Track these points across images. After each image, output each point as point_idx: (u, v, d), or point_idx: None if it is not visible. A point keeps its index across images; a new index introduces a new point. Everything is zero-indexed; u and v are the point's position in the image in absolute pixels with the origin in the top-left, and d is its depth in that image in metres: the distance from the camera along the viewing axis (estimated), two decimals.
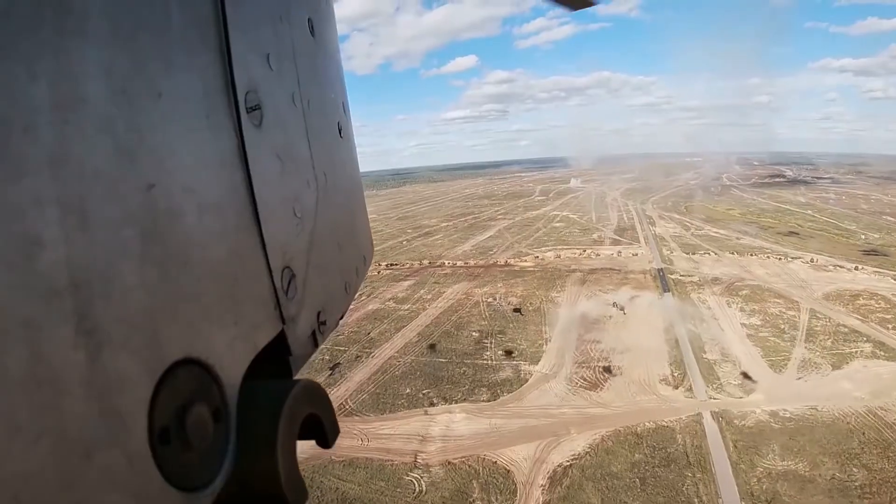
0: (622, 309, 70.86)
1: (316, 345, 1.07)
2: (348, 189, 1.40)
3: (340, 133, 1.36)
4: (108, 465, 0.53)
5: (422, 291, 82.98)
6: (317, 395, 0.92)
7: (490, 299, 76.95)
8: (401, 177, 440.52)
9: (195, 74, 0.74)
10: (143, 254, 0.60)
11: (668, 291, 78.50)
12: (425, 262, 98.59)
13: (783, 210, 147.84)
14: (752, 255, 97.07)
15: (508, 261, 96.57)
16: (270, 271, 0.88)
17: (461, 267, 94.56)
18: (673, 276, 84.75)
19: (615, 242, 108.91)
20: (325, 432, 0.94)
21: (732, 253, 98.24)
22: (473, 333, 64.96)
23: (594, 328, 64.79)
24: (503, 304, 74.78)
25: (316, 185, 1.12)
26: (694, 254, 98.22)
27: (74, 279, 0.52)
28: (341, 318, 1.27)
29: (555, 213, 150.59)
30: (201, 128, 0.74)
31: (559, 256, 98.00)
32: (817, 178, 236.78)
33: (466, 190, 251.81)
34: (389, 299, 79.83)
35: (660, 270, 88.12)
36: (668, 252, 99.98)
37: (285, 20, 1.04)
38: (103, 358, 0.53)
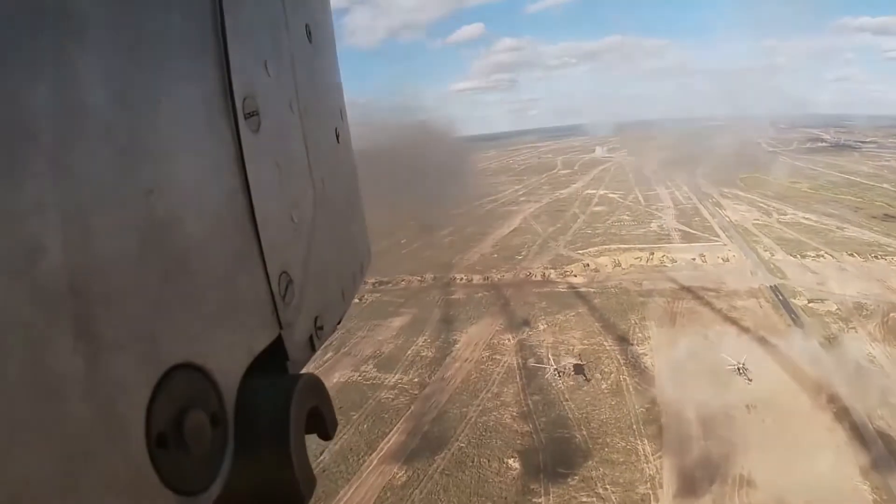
0: (747, 374, 39.84)
1: (313, 349, 1.06)
2: (346, 195, 1.39)
3: (338, 139, 1.34)
4: (106, 470, 0.53)
5: (420, 341, 52.65)
6: (319, 388, 0.93)
7: (532, 360, 46.04)
8: None
9: (193, 81, 0.73)
10: (142, 259, 0.60)
11: (803, 328, 47.50)
12: (428, 275, 67.53)
13: (855, 183, 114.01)
14: (875, 256, 64.96)
15: (547, 272, 65.87)
16: (268, 276, 0.87)
17: (480, 285, 64.23)
18: (798, 302, 53.52)
19: (687, 237, 77.03)
20: (325, 425, 0.95)
21: (851, 254, 65.86)
22: (509, 469, 33.73)
23: (724, 439, 33.82)
24: (553, 372, 43.72)
25: (314, 191, 1.09)
26: (803, 256, 66.28)
27: (74, 285, 0.51)
28: (338, 323, 1.26)
29: (589, 191, 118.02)
30: (199, 134, 0.74)
31: (618, 264, 66.67)
32: (859, 142, 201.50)
33: (478, 164, 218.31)
34: (368, 360, 49.35)
35: (774, 290, 56.71)
36: (767, 253, 68.45)
37: (283, 26, 1.02)
38: (102, 363, 0.53)
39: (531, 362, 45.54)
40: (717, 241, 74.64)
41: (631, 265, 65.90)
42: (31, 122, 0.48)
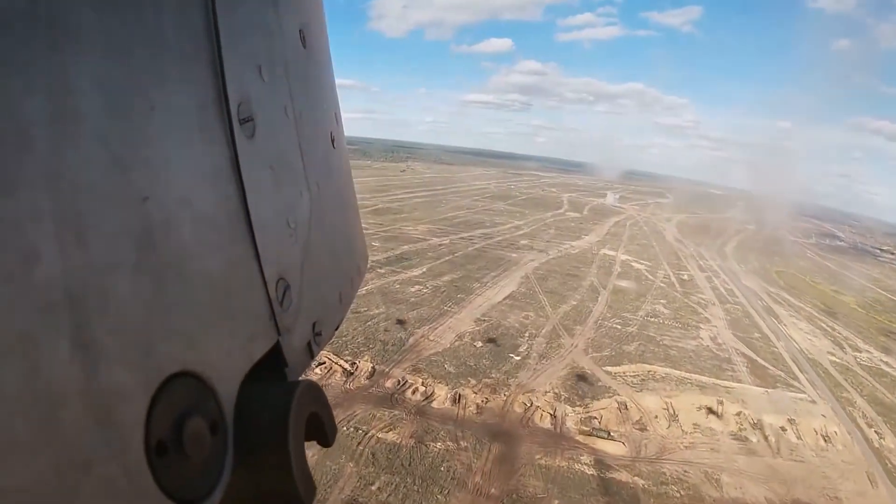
0: None
1: (312, 356, 1.04)
2: (342, 199, 1.37)
3: (333, 143, 1.32)
4: (106, 479, 0.51)
5: None
6: (318, 394, 0.90)
7: None
8: (407, 150, 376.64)
9: (188, 87, 0.71)
10: (139, 267, 0.59)
11: None
12: (356, 383, 38.84)
13: None
14: None
15: (560, 409, 36.66)
16: (265, 282, 0.85)
17: (440, 415, 34.48)
18: None
19: (758, 371, 48.86)
20: (325, 431, 0.92)
21: None
22: None
23: None
24: None
25: (309, 196, 1.08)
26: None
27: (71, 292, 0.50)
28: (336, 328, 1.24)
29: (607, 252, 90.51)
30: (194, 140, 0.72)
31: (674, 417, 38.12)
32: (877, 248, 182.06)
33: (477, 183, 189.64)
34: None
35: None
36: (872, 430, 41.53)
37: (277, 31, 1.00)
38: (100, 371, 0.52)
39: None
40: (797, 386, 47.41)
41: (694, 425, 37.88)
42: (25, 130, 0.47)
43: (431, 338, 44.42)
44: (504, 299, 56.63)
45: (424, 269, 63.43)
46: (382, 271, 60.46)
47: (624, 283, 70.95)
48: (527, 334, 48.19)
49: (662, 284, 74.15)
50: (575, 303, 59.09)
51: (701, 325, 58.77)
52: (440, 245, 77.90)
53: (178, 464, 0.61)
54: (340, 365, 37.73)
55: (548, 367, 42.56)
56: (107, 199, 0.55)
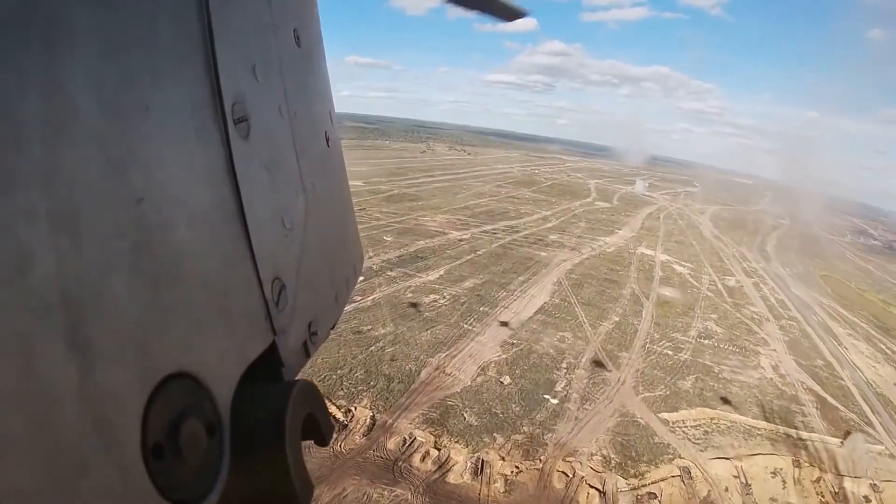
0: None
1: (308, 355, 1.02)
2: (337, 199, 1.36)
3: (328, 143, 1.31)
4: (102, 480, 0.51)
5: None
6: (314, 395, 0.89)
7: None
8: (428, 130, 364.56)
9: (183, 87, 0.71)
10: (134, 267, 0.58)
11: None
12: (349, 442, 30.23)
13: None
14: None
15: (608, 480, 27.60)
16: (261, 283, 0.84)
17: (452, 493, 25.62)
18: None
19: (829, 413, 38.84)
20: (321, 431, 0.91)
21: None
22: None
23: None
24: None
25: (304, 196, 1.06)
26: None
27: (66, 293, 0.49)
28: (332, 328, 1.22)
29: (645, 251, 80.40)
30: (189, 140, 0.71)
31: (747, 487, 28.90)
32: None
33: (499, 165, 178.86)
34: None
35: None
36: None
37: (271, 31, 0.99)
38: (95, 372, 0.51)
39: None
40: (873, 434, 37.62)
41: (772, 500, 28.81)
42: (19, 131, 0.47)
43: (448, 370, 35.54)
44: (535, 314, 47.40)
45: (442, 272, 54.39)
46: (393, 274, 51.55)
47: (668, 292, 61.12)
48: (564, 364, 39.03)
49: (710, 293, 64.12)
50: (617, 318, 49.67)
51: (759, 350, 49.10)
52: (460, 240, 68.64)
53: (175, 465, 0.60)
54: (332, 413, 29.06)
55: (592, 414, 33.48)
56: (102, 199, 0.55)
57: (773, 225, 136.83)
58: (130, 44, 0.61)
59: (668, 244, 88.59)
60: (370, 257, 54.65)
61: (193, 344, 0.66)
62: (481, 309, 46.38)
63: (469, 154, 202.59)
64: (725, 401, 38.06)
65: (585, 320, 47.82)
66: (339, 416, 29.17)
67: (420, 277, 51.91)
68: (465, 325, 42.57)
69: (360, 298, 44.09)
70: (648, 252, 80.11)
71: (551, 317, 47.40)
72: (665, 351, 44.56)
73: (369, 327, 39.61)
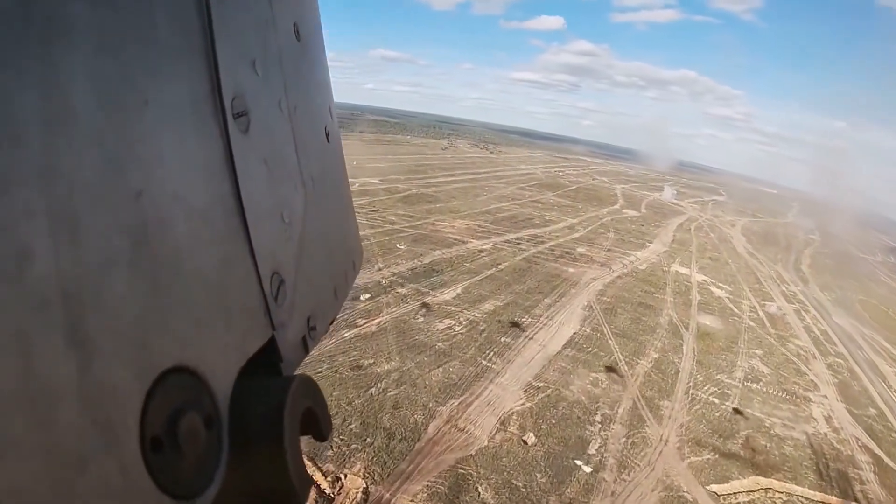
0: None
1: (306, 350, 1.03)
2: (336, 193, 1.36)
3: (328, 137, 1.31)
4: (101, 475, 0.50)
5: None
6: (313, 389, 0.89)
7: None
8: (450, 126, 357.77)
9: (181, 81, 0.70)
10: (133, 263, 0.57)
11: None
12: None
13: None
14: None
15: None
16: (259, 277, 0.84)
17: None
18: None
19: (886, 479, 32.77)
20: (320, 426, 0.91)
21: None
22: None
23: None
24: None
25: (304, 191, 1.07)
26: None
27: (65, 289, 0.49)
28: (331, 323, 1.23)
29: (680, 270, 73.13)
30: (188, 135, 0.71)
31: None
32: None
33: (522, 166, 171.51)
34: None
35: None
36: None
37: (271, 25, 0.98)
38: (94, 368, 0.51)
39: None
40: None
41: None
42: (18, 127, 0.46)
43: (461, 423, 29.47)
44: (563, 348, 41.00)
45: (459, 291, 48.21)
46: (404, 291, 45.53)
47: (708, 321, 54.26)
48: (598, 417, 32.73)
49: (752, 323, 57.04)
50: (656, 355, 43.07)
51: (810, 396, 42.29)
52: (480, 251, 62.38)
53: (174, 459, 0.60)
54: (316, 481, 23.22)
55: (632, 488, 27.18)
56: (100, 194, 0.54)
57: (805, 241, 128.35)
58: (129, 38, 0.60)
59: (703, 261, 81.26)
60: (379, 269, 48.86)
61: (192, 338, 0.66)
62: (503, 340, 40.17)
63: (491, 153, 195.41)
64: (780, 463, 31.70)
65: (621, 357, 41.33)
66: (325, 485, 23.33)
67: (434, 297, 45.84)
68: (484, 362, 36.38)
69: (363, 322, 38.18)
70: (683, 271, 72.97)
71: (582, 352, 40.98)
72: (711, 399, 37.99)
73: (371, 361, 33.67)
